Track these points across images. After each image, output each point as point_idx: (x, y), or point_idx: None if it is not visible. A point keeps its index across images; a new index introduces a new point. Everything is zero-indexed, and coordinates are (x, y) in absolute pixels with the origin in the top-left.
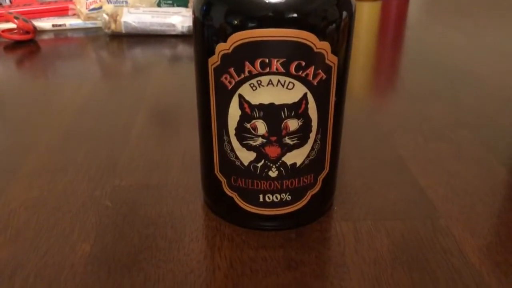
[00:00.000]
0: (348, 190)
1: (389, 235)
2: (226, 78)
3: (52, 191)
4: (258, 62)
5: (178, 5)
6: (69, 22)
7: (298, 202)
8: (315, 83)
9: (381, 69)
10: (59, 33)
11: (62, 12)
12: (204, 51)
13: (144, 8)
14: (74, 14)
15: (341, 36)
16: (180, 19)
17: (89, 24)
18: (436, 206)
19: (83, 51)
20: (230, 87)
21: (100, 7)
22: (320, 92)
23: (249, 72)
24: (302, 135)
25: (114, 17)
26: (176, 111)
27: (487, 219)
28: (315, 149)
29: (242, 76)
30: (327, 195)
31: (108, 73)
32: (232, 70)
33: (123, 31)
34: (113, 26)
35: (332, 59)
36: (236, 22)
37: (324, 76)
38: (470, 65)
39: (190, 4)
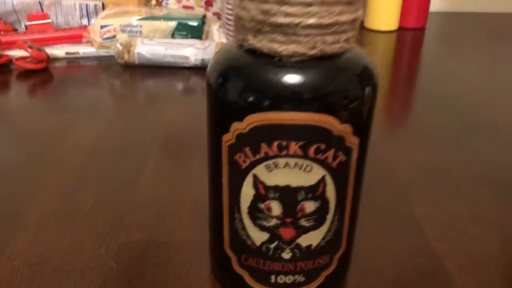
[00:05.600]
0: (361, 254)
1: None
2: (240, 157)
3: (58, 245)
4: (275, 144)
5: (192, 37)
6: (83, 50)
7: (312, 283)
8: (334, 166)
9: (397, 110)
10: (72, 61)
11: (76, 39)
12: (218, 126)
13: (158, 39)
14: (87, 42)
15: (363, 116)
16: (194, 52)
17: (102, 52)
18: (453, 278)
19: (96, 81)
20: (244, 166)
21: (114, 37)
22: (339, 173)
23: (266, 153)
24: (318, 217)
25: (128, 47)
26: (188, 152)
27: None
28: (332, 230)
29: (258, 157)
30: (342, 273)
31: (121, 106)
32: (247, 149)
33: (136, 62)
34: (126, 56)
35: (352, 141)
36: (253, 102)
37: (344, 158)
38: (489, 109)
39: (204, 36)
